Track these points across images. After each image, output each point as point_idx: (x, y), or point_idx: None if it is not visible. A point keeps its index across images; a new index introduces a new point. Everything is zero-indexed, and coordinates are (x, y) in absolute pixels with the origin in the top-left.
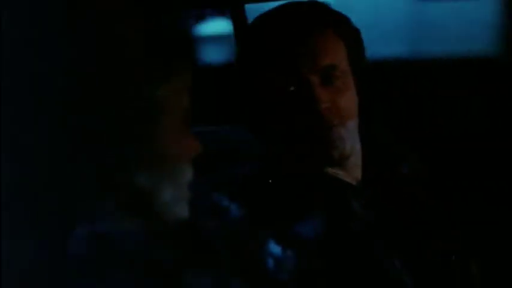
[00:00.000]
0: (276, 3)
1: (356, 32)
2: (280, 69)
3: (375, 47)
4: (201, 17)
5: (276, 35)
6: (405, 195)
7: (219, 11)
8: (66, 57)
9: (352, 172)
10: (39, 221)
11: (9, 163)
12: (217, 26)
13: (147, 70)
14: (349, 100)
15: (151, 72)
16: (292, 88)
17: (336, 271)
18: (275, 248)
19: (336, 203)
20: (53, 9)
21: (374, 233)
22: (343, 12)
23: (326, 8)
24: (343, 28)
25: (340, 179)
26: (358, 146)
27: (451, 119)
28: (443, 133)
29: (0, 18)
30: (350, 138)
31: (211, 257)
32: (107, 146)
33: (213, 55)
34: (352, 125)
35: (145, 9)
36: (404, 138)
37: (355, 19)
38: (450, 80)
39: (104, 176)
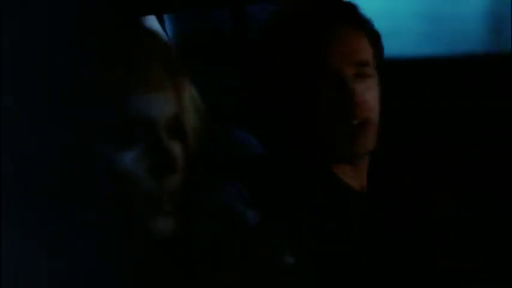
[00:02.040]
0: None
1: (379, 35)
2: (318, 63)
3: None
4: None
5: (314, 31)
6: (408, 201)
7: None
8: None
9: (360, 173)
10: (39, 221)
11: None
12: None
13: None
14: (376, 98)
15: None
16: (329, 81)
17: (333, 271)
18: (277, 245)
19: (338, 206)
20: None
21: (375, 237)
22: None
23: (357, 9)
24: (370, 30)
25: (344, 181)
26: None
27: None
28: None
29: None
30: (375, 135)
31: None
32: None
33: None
34: (377, 122)
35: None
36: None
37: None
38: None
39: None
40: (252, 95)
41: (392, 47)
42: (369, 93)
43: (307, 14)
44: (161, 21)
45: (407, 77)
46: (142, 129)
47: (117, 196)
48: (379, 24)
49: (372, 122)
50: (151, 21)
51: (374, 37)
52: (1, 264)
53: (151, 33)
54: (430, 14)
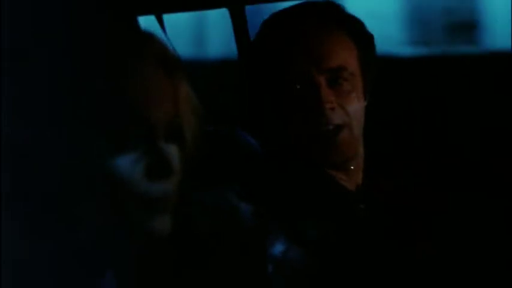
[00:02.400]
0: (291, 3)
1: (369, 36)
2: (289, 67)
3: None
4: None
5: (288, 33)
6: (404, 202)
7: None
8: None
9: (354, 176)
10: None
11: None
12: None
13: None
14: (356, 102)
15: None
16: (298, 87)
17: (332, 272)
18: (276, 247)
19: (334, 208)
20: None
21: (371, 238)
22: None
23: (341, 9)
24: (356, 31)
25: (339, 183)
26: (361, 150)
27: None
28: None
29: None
30: (354, 141)
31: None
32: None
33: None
34: (357, 127)
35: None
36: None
37: None
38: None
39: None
40: (249, 98)
41: None
42: (344, 99)
43: (286, 16)
44: (160, 22)
45: None
46: (139, 131)
47: (113, 198)
48: None
49: (347, 127)
50: (149, 22)
51: (360, 38)
52: (1, 264)
53: (149, 34)
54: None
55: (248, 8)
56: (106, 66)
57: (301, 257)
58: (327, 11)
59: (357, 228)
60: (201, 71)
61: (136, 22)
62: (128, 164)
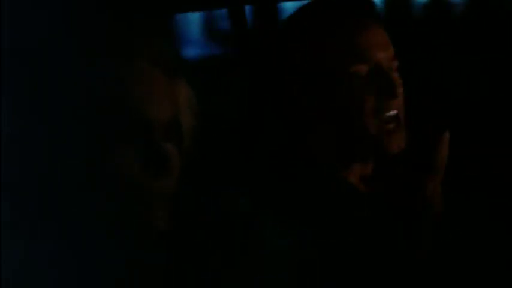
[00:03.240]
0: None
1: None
2: (361, 57)
3: None
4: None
5: (340, 25)
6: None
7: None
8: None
9: (368, 174)
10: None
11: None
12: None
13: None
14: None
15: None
16: (369, 74)
17: (334, 271)
18: (279, 243)
19: (343, 206)
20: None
21: (378, 237)
22: None
23: (374, 5)
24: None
25: (350, 184)
26: None
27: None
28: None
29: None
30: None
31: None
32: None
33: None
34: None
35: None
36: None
37: None
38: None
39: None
40: (260, 96)
41: None
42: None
43: (331, 9)
44: (165, 21)
45: None
46: (138, 130)
47: (111, 196)
48: None
49: (402, 119)
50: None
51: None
52: (1, 264)
53: (148, 33)
54: None
55: (247, 8)
56: (105, 65)
57: (303, 256)
58: (365, 6)
59: (360, 226)
60: (204, 71)
61: (137, 22)
62: (126, 162)
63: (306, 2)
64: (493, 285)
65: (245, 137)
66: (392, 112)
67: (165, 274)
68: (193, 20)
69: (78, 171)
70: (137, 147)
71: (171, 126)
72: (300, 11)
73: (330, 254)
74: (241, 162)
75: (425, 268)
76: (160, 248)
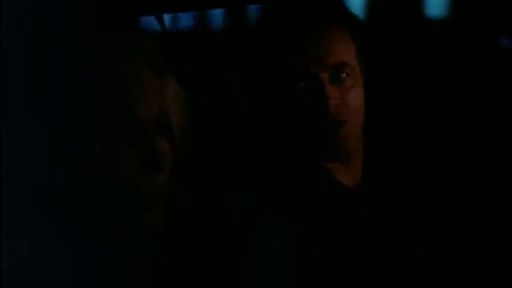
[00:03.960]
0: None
1: (363, 29)
2: (291, 66)
3: None
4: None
5: (287, 31)
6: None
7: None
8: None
9: (354, 173)
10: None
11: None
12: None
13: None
14: (358, 98)
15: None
16: (302, 84)
17: (329, 270)
18: (272, 242)
19: (332, 205)
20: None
21: (369, 237)
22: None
23: (339, 5)
24: (354, 26)
25: (338, 181)
26: (361, 146)
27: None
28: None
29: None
30: (356, 136)
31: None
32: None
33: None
34: (359, 122)
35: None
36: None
37: None
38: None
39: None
40: (249, 96)
41: None
42: (347, 95)
43: (285, 14)
44: (160, 20)
45: None
46: (129, 126)
47: (104, 192)
48: None
49: (350, 123)
50: (136, 19)
51: (358, 33)
52: (1, 264)
53: (139, 33)
54: None
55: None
56: (97, 64)
57: (298, 256)
58: (325, 7)
59: (355, 226)
60: (203, 71)
61: (129, 21)
62: (118, 158)
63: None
64: (493, 285)
65: (244, 137)
66: (327, 119)
67: (162, 273)
68: (192, 18)
69: (69, 168)
70: (128, 142)
71: (160, 121)
72: (262, 15)
73: (329, 254)
74: (241, 162)
75: (424, 268)
76: (157, 244)
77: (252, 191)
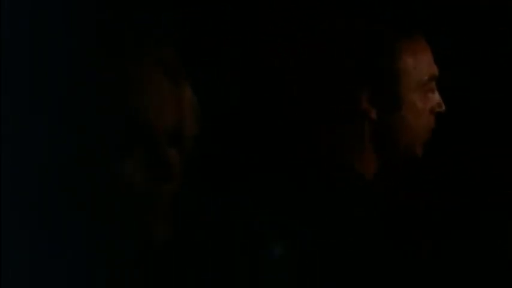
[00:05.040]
0: None
1: None
2: None
3: None
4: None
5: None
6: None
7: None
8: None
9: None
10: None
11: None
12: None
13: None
14: None
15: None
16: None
17: (332, 272)
18: (275, 249)
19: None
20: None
21: (381, 230)
22: None
23: None
24: None
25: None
26: None
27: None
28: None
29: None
30: None
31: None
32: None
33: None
34: None
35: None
36: None
37: None
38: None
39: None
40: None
41: None
42: None
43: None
44: (161, 23)
45: None
46: (141, 135)
47: (113, 203)
48: None
49: None
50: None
51: None
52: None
53: (150, 35)
54: None
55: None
56: (111, 71)
57: (301, 257)
58: None
59: (360, 228)
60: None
61: (137, 24)
62: (131, 167)
63: None
64: (493, 285)
65: (248, 137)
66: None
67: (166, 275)
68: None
69: (82, 177)
70: (141, 153)
71: (175, 131)
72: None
73: (347, 251)
74: (245, 162)
75: (428, 267)
76: (162, 252)
77: (261, 192)
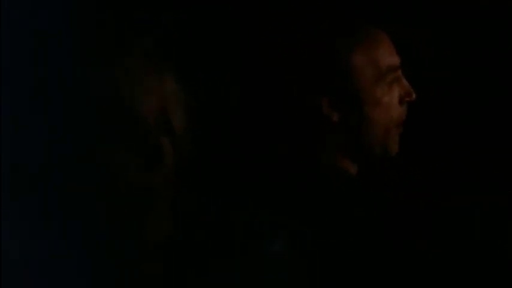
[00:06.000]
0: None
1: None
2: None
3: None
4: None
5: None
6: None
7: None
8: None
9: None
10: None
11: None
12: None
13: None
14: None
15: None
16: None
17: (332, 272)
18: (275, 246)
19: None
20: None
21: (373, 237)
22: None
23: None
24: None
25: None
26: None
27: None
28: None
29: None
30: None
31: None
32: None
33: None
34: None
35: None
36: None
37: None
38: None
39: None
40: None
41: None
42: None
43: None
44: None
45: None
46: (130, 125)
47: (106, 191)
48: None
49: None
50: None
51: None
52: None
53: (131, 27)
54: None
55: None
56: (96, 62)
57: (301, 257)
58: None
59: (358, 227)
60: (204, 72)
61: (119, 16)
62: (119, 157)
63: None
64: (493, 285)
65: (246, 138)
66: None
67: (165, 273)
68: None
69: (70, 166)
70: (128, 141)
71: (160, 119)
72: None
73: (347, 251)
74: (243, 163)
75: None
76: (162, 252)
77: (259, 193)
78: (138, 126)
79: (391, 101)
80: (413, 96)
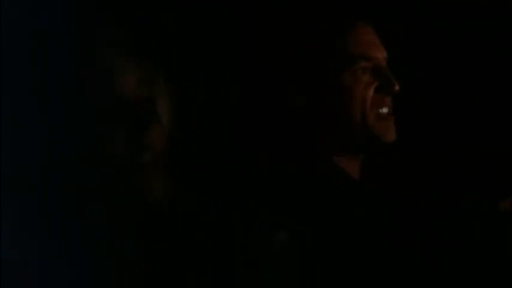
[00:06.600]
0: None
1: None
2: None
3: None
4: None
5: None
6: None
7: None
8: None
9: (357, 166)
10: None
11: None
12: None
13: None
14: None
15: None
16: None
17: (331, 269)
18: (275, 242)
19: (336, 203)
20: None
21: (370, 234)
22: None
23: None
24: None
25: (348, 174)
26: None
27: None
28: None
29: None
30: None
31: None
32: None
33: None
34: None
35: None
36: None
37: None
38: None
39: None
40: (259, 94)
41: None
42: None
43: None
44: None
45: None
46: (120, 113)
47: (106, 191)
48: None
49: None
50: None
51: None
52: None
53: (123, 20)
54: None
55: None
56: (87, 54)
57: (301, 257)
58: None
59: (356, 224)
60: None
61: (115, 11)
62: (112, 143)
63: None
64: (493, 285)
65: (245, 136)
66: (388, 108)
67: (165, 272)
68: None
69: (70, 166)
70: (121, 128)
71: (149, 109)
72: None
73: (347, 251)
74: (242, 161)
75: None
76: (162, 252)
77: (258, 191)
78: (129, 114)
79: (360, 88)
80: (396, 87)
